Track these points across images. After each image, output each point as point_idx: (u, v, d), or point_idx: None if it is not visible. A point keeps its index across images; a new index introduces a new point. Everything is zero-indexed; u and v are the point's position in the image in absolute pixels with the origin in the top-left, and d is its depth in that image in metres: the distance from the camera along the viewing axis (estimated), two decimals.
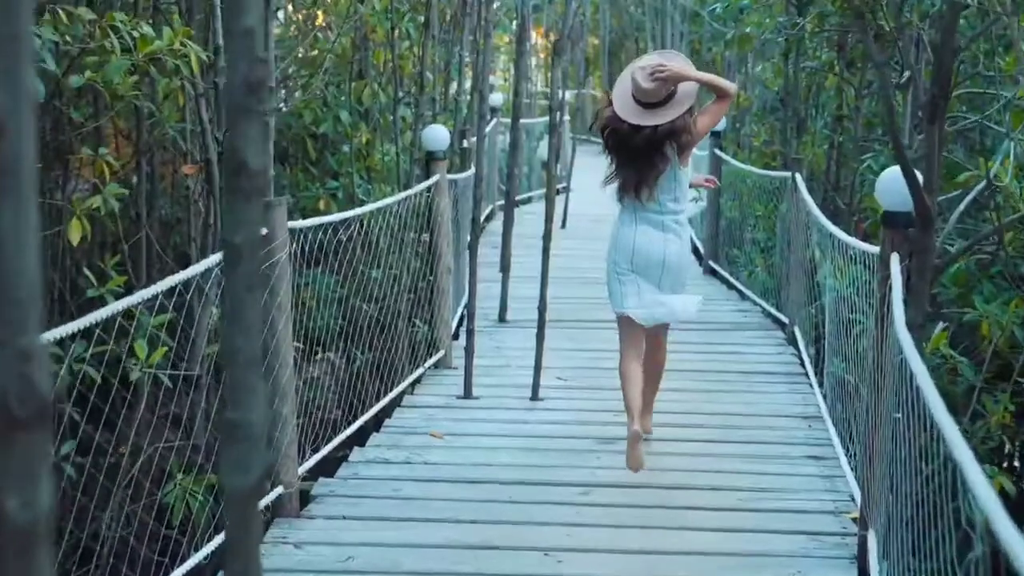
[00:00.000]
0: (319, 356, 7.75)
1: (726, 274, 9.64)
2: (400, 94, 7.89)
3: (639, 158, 4.63)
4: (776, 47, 9.40)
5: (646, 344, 4.96)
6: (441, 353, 6.63)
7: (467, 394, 6.03)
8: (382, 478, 4.81)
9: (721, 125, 9.83)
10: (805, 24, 7.02)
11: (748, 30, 8.33)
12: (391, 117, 8.06)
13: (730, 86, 4.87)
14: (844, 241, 5.05)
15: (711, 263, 10.04)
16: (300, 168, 9.27)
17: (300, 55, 8.39)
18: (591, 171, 17.29)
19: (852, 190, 7.79)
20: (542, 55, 28.50)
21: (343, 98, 8.12)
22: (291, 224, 4.30)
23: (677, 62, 4.68)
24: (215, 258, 4.07)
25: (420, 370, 6.36)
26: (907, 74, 5.27)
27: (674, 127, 4.58)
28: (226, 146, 1.35)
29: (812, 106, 8.83)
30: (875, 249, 4.11)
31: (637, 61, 4.83)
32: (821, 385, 6.11)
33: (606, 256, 4.92)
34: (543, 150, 17.91)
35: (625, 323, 4.86)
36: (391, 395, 5.76)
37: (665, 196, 4.74)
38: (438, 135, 6.43)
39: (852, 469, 4.75)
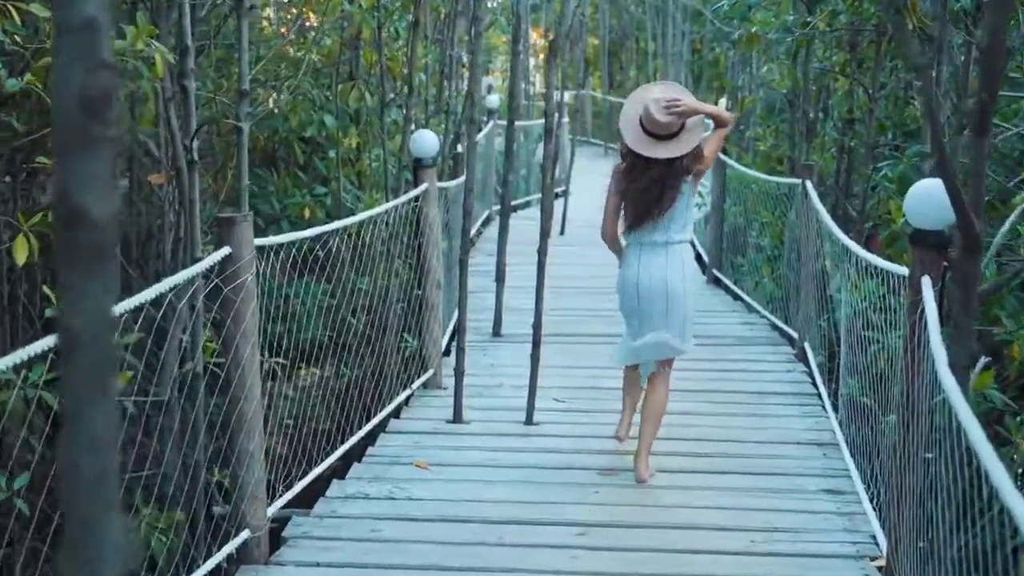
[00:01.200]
0: (304, 371, 7.38)
1: (731, 284, 9.24)
2: (391, 96, 7.51)
3: (651, 192, 4.64)
4: (783, 47, 9.01)
5: (646, 382, 4.98)
6: (430, 372, 6.23)
7: (457, 418, 5.64)
8: (361, 516, 4.42)
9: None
10: (816, 23, 6.61)
11: (754, 29, 7.94)
12: (380, 120, 7.69)
13: (730, 116, 4.99)
14: (866, 259, 4.63)
15: (715, 272, 9.63)
16: (288, 173, 8.90)
17: (291, 54, 8.01)
18: (591, 174, 16.98)
19: (864, 197, 7.40)
20: (541, 55, 28.12)
21: (331, 100, 7.75)
22: (259, 241, 3.90)
23: (687, 96, 4.75)
24: (183, 275, 3.69)
25: (407, 391, 5.96)
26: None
27: (689, 161, 4.64)
28: (55, 187, 0.96)
29: (820, 109, 8.44)
30: (903, 270, 3.72)
31: (646, 92, 4.82)
32: (836, 408, 5.72)
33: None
34: (540, 152, 17.52)
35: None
36: (372, 423, 5.36)
37: (675, 226, 4.73)
38: (426, 141, 6.03)
39: (874, 507, 4.36)
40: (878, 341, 5.61)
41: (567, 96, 15.11)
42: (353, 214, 8.18)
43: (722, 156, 9.33)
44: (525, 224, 11.53)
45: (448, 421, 5.64)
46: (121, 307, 3.21)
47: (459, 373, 5.62)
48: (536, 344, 5.60)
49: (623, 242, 4.87)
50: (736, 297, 8.98)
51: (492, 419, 5.71)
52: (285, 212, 8.40)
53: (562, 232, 12.47)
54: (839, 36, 7.64)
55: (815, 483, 4.86)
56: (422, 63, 8.82)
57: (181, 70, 4.92)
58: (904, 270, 3.69)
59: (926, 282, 3.36)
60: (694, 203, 4.86)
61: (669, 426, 5.54)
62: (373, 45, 7.17)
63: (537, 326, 5.60)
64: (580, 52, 20.77)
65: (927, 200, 3.40)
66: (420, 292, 6.18)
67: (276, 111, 8.00)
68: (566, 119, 15.00)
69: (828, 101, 8.43)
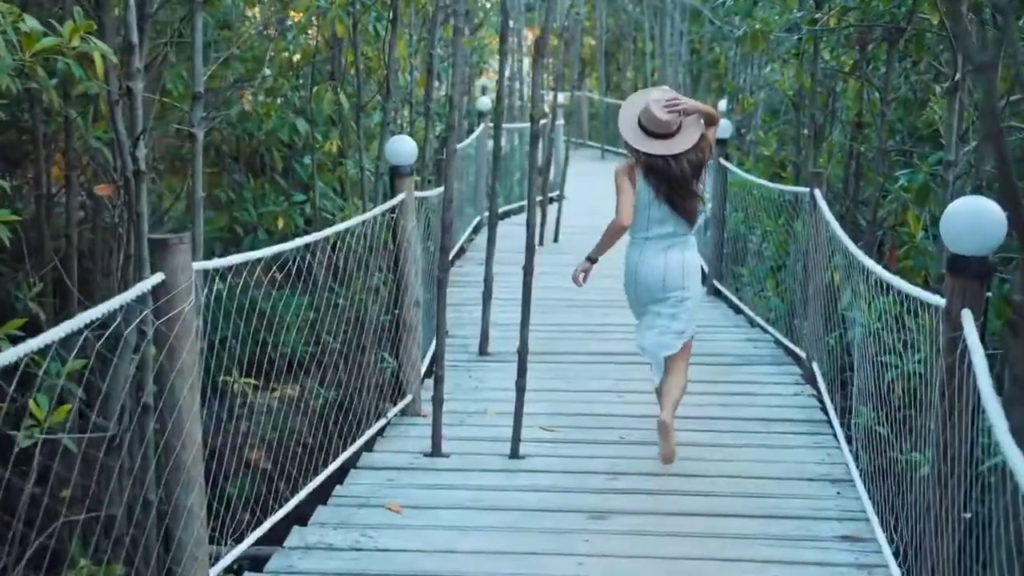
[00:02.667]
0: (277, 390, 6.91)
1: (732, 296, 8.74)
2: (370, 97, 7.01)
3: (683, 190, 4.86)
4: (785, 46, 8.53)
5: (664, 369, 5.06)
6: (408, 398, 5.74)
7: (435, 451, 5.15)
8: (322, 572, 3.93)
9: (727, 132, 8.97)
10: (826, 19, 6.11)
11: (758, 26, 7.45)
12: (367, 123, 7.21)
13: (718, 114, 5.28)
14: (894, 285, 4.09)
15: (716, 283, 9.14)
16: (268, 179, 8.41)
17: (267, 54, 7.51)
18: (587, 177, 16.47)
19: (875, 206, 6.92)
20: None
21: (308, 104, 7.26)
22: (199, 265, 3.42)
23: (682, 97, 4.99)
24: (130, 294, 3.19)
25: (382, 421, 5.47)
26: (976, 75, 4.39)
27: (700, 159, 4.89)
28: None
29: (829, 112, 7.95)
30: (936, 299, 3.23)
31: (643, 95, 5.02)
32: (849, 439, 5.24)
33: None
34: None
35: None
36: (340, 459, 4.85)
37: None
38: (403, 147, 5.54)
39: (899, 564, 3.87)
40: (895, 365, 5.14)
41: (562, 97, 14.58)
42: (331, 223, 7.74)
43: (724, 162, 8.85)
44: (518, 231, 11.00)
45: (426, 454, 5.16)
46: (48, 336, 2.75)
47: (437, 402, 5.13)
48: (521, 371, 5.11)
49: (628, 237, 5.01)
50: (738, 310, 8.49)
51: (474, 451, 5.23)
52: (262, 221, 7.92)
53: (556, 239, 11.96)
54: (848, 34, 7.15)
55: (829, 528, 4.38)
56: (406, 63, 8.34)
57: (126, 70, 4.45)
58: (938, 299, 3.20)
59: (967, 317, 2.88)
60: None
61: None
62: (350, 44, 6.67)
63: (523, 350, 5.12)
64: (575, 52, 20.29)
65: (968, 221, 2.92)
66: (397, 311, 5.70)
67: (257, 113, 7.52)
68: (560, 121, 14.48)
69: (836, 104, 7.93)
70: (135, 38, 4.37)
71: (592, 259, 5.10)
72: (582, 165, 18.76)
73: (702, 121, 4.93)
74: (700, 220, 5.07)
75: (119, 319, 3.39)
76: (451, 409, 5.69)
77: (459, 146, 11.19)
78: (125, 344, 4.47)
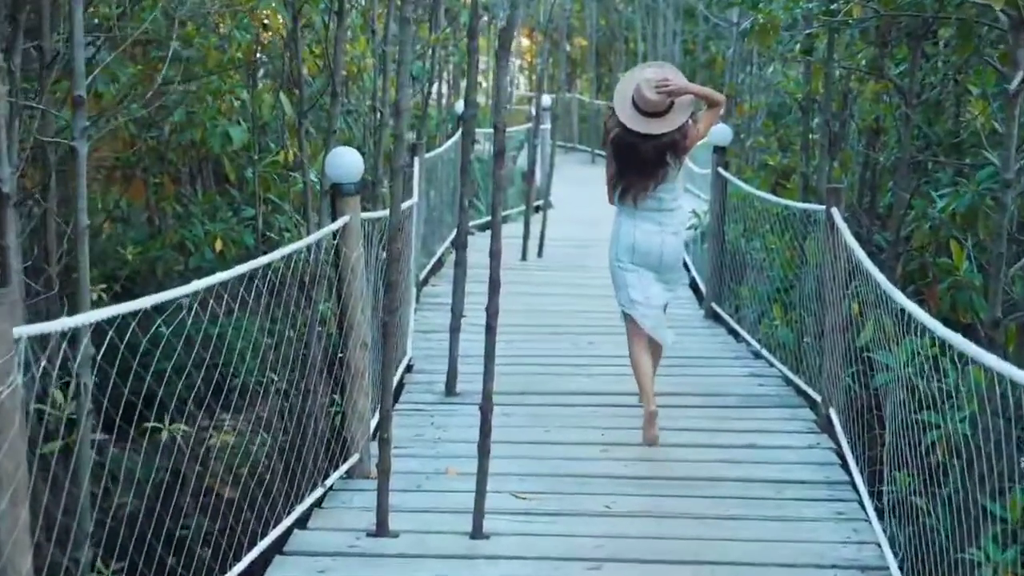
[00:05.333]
0: (215, 437, 6.03)
1: (733, 322, 7.85)
2: (316, 100, 6.12)
3: (646, 167, 5.06)
4: (790, 43, 7.66)
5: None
6: (355, 458, 4.84)
7: (381, 530, 4.25)
8: None
9: (726, 139, 8.11)
10: (849, 7, 5.21)
11: (761, 19, 6.57)
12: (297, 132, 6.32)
13: (721, 97, 5.31)
14: (972, 356, 3.14)
15: (714, 306, 8.25)
16: (219, 191, 7.54)
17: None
18: (576, 184, 15.57)
19: (900, 224, 6.05)
20: (527, 57, 26.83)
21: (250, 108, 6.38)
22: (26, 330, 2.52)
23: (678, 76, 5.08)
24: None
25: (319, 491, 4.56)
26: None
27: (678, 137, 5.04)
28: None
29: (847, 116, 7.06)
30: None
31: (639, 71, 5.19)
32: (880, 514, 4.37)
33: (608, 251, 5.37)
34: (522, 160, 16.19)
35: (630, 317, 5.31)
36: (254, 552, 3.94)
37: (665, 194, 5.18)
38: (345, 161, 4.62)
39: None
40: (936, 424, 4.28)
41: (547, 99, 13.71)
42: (280, 243, 6.86)
43: (723, 172, 7.98)
44: (503, 243, 10.06)
45: (369, 534, 4.24)
46: None
47: (383, 471, 4.22)
48: (485, 432, 4.20)
49: (616, 206, 5.28)
50: (739, 337, 7.60)
51: (428, 528, 4.32)
52: (206, 239, 7.04)
53: (540, 253, 11.01)
54: (865, 28, 6.27)
55: None
56: (368, 63, 7.47)
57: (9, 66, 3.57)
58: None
59: None
60: (680, 173, 5.29)
61: (656, 539, 4.20)
62: (292, 40, 5.78)
63: (486, 408, 4.19)
64: (563, 52, 19.46)
65: None
66: (342, 355, 4.81)
67: (200, 119, 6.65)
68: (546, 125, 13.61)
69: (853, 107, 7.05)
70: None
71: None
72: (571, 170, 17.94)
73: (700, 111, 5.14)
74: (683, 200, 5.40)
75: None
76: (407, 468, 4.83)
77: (435, 152, 10.33)
78: None
